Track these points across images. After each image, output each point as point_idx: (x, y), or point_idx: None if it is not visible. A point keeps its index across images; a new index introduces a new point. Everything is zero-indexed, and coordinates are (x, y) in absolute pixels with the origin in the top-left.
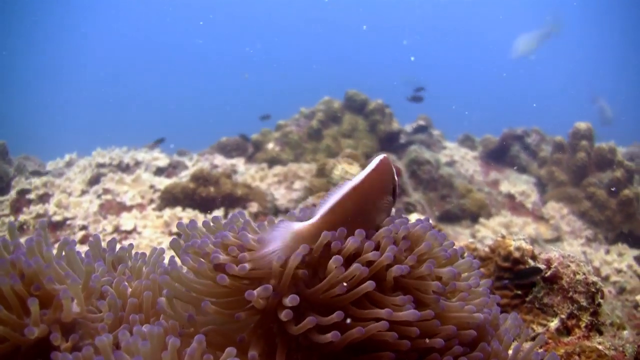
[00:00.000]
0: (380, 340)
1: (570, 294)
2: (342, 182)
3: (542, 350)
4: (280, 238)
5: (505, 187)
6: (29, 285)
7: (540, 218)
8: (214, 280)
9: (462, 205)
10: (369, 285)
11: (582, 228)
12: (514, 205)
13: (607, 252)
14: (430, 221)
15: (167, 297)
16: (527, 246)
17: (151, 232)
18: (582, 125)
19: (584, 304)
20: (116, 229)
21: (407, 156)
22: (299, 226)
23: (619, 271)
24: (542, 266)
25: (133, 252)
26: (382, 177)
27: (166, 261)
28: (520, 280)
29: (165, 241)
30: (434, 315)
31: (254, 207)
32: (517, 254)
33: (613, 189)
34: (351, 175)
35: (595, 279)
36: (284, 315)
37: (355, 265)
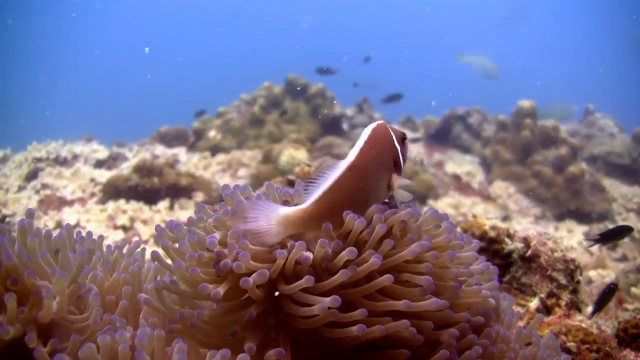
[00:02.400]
0: (393, 336)
1: (549, 272)
2: (328, 164)
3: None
4: (265, 219)
5: (450, 167)
6: (5, 278)
7: (487, 198)
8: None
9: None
10: (387, 279)
11: (530, 206)
12: (461, 185)
13: (556, 229)
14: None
15: (156, 288)
16: (502, 225)
17: (95, 226)
18: (525, 103)
19: (563, 282)
20: (58, 225)
21: (352, 139)
22: (286, 211)
23: (569, 248)
24: (520, 244)
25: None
26: (378, 150)
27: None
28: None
29: (112, 235)
30: (449, 304)
31: (199, 196)
32: (492, 233)
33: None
34: (298, 160)
35: (573, 255)
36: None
37: (372, 260)
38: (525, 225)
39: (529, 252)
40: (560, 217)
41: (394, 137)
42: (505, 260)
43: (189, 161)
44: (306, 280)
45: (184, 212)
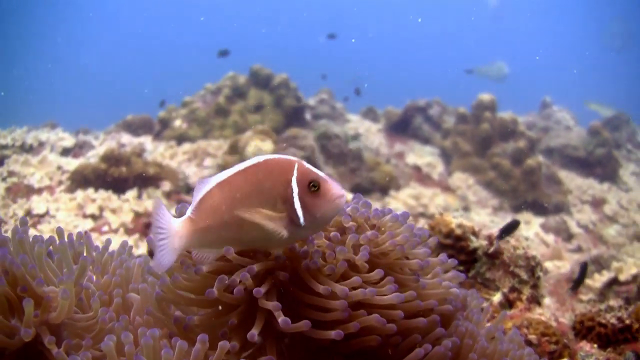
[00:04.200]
0: (366, 326)
1: (512, 268)
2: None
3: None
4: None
5: (411, 159)
6: (15, 285)
7: (447, 189)
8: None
9: (372, 178)
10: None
11: (488, 197)
12: (421, 176)
13: None
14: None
15: (157, 299)
16: (468, 223)
17: (65, 215)
18: (485, 97)
19: (525, 277)
20: (28, 213)
21: (316, 131)
22: (176, 223)
23: (526, 239)
24: (484, 242)
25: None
26: (259, 180)
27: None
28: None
29: (81, 224)
30: (416, 295)
31: (166, 186)
32: (459, 231)
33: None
34: (265, 152)
35: (534, 252)
36: (273, 308)
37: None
38: (484, 217)
39: (492, 249)
40: (517, 209)
41: (294, 176)
42: (471, 256)
43: (155, 150)
44: (274, 307)
45: (151, 202)
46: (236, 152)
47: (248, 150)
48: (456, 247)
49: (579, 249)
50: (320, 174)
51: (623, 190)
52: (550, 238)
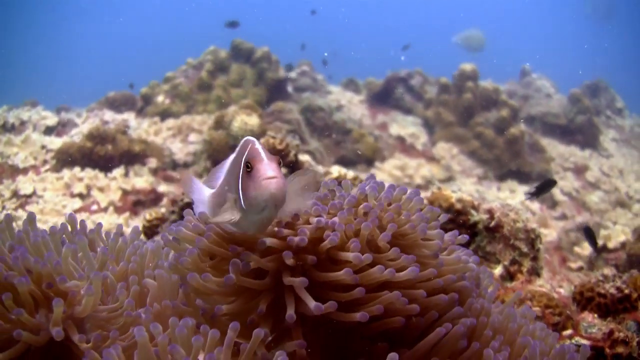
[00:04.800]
0: (390, 308)
1: (512, 241)
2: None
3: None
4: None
5: (394, 129)
6: (39, 283)
7: (431, 159)
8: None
9: (357, 150)
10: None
11: (473, 167)
12: (405, 147)
13: (499, 189)
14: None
15: (184, 292)
16: (467, 197)
17: (52, 195)
18: (467, 66)
19: (525, 250)
20: (15, 194)
21: (300, 104)
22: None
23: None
24: (484, 215)
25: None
26: (237, 164)
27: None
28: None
29: (70, 204)
30: (437, 273)
31: (152, 162)
32: (459, 206)
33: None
34: (251, 126)
35: (534, 225)
36: (300, 283)
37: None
38: (469, 186)
39: (493, 223)
40: (501, 178)
41: (245, 155)
42: (471, 230)
43: (139, 127)
44: (301, 281)
45: (139, 179)
46: (222, 127)
47: (234, 125)
48: (457, 221)
49: (563, 217)
50: (262, 155)
51: (604, 156)
52: (535, 206)
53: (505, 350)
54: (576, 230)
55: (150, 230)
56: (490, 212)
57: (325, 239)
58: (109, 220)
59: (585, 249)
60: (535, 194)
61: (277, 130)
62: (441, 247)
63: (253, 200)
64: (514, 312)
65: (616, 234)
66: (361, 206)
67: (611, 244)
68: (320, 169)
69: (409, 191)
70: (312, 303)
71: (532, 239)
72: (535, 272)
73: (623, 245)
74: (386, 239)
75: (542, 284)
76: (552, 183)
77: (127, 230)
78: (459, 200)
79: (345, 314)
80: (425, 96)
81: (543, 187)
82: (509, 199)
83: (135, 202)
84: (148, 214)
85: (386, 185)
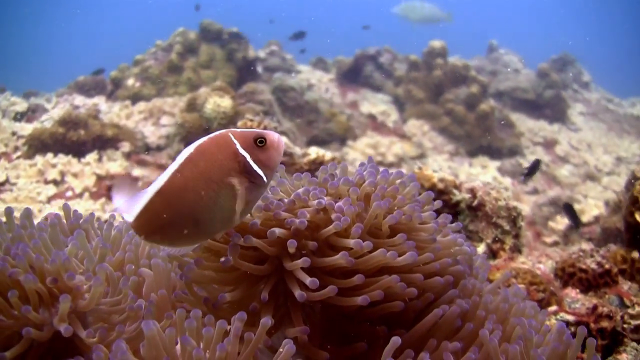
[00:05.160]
0: (389, 292)
1: (494, 219)
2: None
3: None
4: None
5: (365, 107)
6: (43, 279)
7: (403, 136)
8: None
9: (329, 129)
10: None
11: (444, 143)
12: (376, 125)
13: (470, 165)
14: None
15: (186, 282)
16: (449, 177)
17: (26, 182)
18: (436, 43)
19: (507, 227)
20: None
21: (271, 84)
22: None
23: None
24: (467, 195)
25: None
26: (203, 167)
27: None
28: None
29: (44, 191)
30: (434, 257)
31: (125, 147)
32: (441, 185)
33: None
34: (224, 108)
35: (515, 203)
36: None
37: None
38: (441, 162)
39: (475, 202)
40: (473, 154)
41: (236, 144)
42: (454, 209)
43: (110, 111)
44: (303, 261)
45: (113, 164)
46: (194, 109)
47: (207, 107)
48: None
49: (535, 191)
50: (254, 128)
51: (572, 130)
52: (507, 181)
53: (497, 330)
54: (549, 204)
55: None
56: (472, 191)
57: (328, 224)
58: (85, 206)
59: (560, 223)
60: (528, 175)
61: (251, 112)
62: (437, 229)
63: (275, 165)
64: (506, 291)
65: (590, 208)
66: (366, 184)
67: (585, 218)
68: (298, 150)
69: (405, 176)
70: (307, 279)
71: (514, 217)
72: (517, 250)
73: (597, 218)
74: (393, 221)
75: (524, 261)
76: (539, 163)
77: (104, 216)
78: (441, 180)
79: (346, 298)
80: (395, 73)
81: (533, 168)
82: (481, 174)
83: (109, 187)
84: None
85: (380, 169)
